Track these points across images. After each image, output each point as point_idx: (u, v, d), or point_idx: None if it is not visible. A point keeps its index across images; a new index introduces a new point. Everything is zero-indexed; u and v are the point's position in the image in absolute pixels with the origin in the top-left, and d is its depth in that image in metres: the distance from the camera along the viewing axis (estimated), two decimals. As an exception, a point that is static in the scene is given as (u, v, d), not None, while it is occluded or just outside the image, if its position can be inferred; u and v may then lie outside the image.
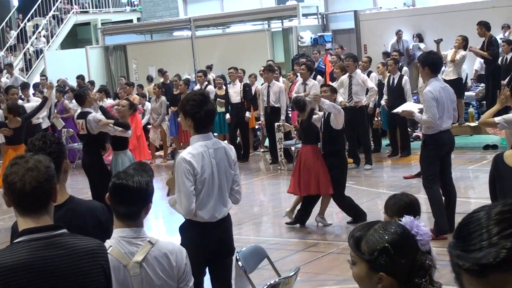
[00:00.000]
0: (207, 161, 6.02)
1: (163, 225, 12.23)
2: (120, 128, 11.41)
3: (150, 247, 4.12)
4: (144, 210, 4.15)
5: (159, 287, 4.14)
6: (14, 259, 3.23)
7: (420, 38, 21.46)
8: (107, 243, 4.10)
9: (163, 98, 18.72)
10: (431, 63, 9.74)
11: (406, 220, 3.19)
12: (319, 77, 17.61)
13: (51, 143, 4.45)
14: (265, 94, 16.56)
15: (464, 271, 1.93)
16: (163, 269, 4.14)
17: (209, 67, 22.60)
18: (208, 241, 6.15)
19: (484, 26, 16.05)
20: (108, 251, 3.99)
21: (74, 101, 19.48)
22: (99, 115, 11.66)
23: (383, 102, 16.19)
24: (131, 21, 31.57)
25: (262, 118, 17.43)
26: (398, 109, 10.72)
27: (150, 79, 23.64)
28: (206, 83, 18.38)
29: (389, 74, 16.05)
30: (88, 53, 27.61)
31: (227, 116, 18.00)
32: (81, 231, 3.66)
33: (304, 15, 25.22)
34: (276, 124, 16.23)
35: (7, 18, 31.64)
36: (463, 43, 15.99)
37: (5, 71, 25.71)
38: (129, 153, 11.89)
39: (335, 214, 11.68)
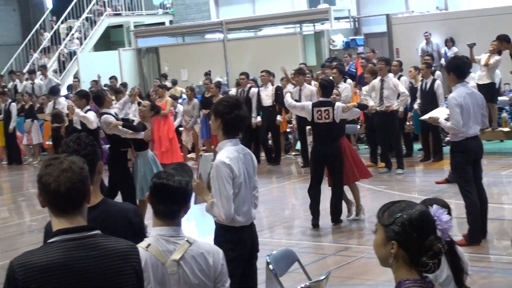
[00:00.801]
0: (241, 165, 6.06)
1: (195, 227, 12.27)
2: (130, 131, 11.56)
3: (188, 246, 4.17)
4: (183, 209, 4.21)
5: (196, 286, 4.19)
6: (47, 259, 3.26)
7: (453, 42, 21.30)
8: (146, 241, 4.15)
9: (196, 100, 18.80)
10: (456, 68, 9.59)
11: (434, 207, 3.39)
12: (349, 80, 17.56)
13: (85, 145, 4.45)
14: (297, 97, 16.53)
15: None
16: (201, 269, 4.19)
17: (208, 73, 22.73)
18: (244, 244, 6.17)
19: (504, 40, 15.81)
20: (147, 249, 4.05)
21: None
22: (110, 117, 11.79)
23: (416, 106, 16.12)
24: (163, 23, 31.68)
25: (293, 121, 17.42)
26: (425, 116, 10.59)
27: (174, 82, 23.73)
28: (249, 85, 18.35)
29: (421, 78, 15.97)
30: (120, 55, 27.75)
31: (259, 119, 18.01)
32: (113, 232, 3.67)
33: (336, 18, 25.17)
34: (308, 127, 16.19)
35: (41, 20, 31.92)
36: (499, 48, 15.85)
37: (39, 73, 25.98)
38: (150, 153, 12.03)
39: (366, 219, 11.65)
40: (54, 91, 19.34)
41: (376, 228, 3.33)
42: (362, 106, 12.46)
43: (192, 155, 19.24)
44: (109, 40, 33.37)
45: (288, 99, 12.06)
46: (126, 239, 3.62)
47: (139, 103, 12.58)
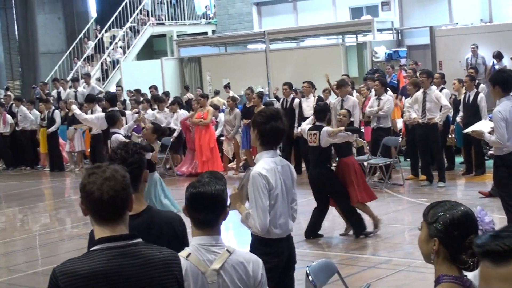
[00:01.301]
0: (278, 177, 6.04)
1: (233, 237, 12.29)
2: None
3: (228, 255, 4.17)
4: (221, 216, 4.22)
5: None
6: (90, 267, 3.30)
7: (499, 56, 21.00)
8: (186, 250, 4.16)
9: (237, 110, 18.83)
10: (502, 82, 9.47)
11: (477, 208, 3.51)
12: (390, 92, 17.48)
13: (133, 152, 4.49)
14: (339, 109, 16.44)
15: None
16: (240, 278, 4.18)
17: (228, 86, 22.81)
18: (280, 256, 6.15)
19: None
20: (187, 258, 4.06)
21: (149, 111, 19.79)
22: (120, 136, 11.99)
23: (458, 119, 16.01)
24: (206, 33, 31.87)
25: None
26: (469, 129, 10.50)
27: (216, 92, 23.86)
28: (292, 95, 18.37)
29: (465, 91, 15.86)
30: (163, 65, 27.95)
31: (299, 129, 17.98)
32: (157, 241, 3.71)
33: (379, 30, 25.10)
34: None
35: (86, 29, 32.27)
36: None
37: (82, 81, 26.23)
38: (157, 175, 11.87)
39: (407, 232, 11.59)
40: (90, 99, 19.54)
41: (421, 225, 3.48)
42: (353, 130, 12.34)
43: (233, 164, 19.29)
44: (152, 49, 33.63)
45: (303, 124, 12.66)
46: (170, 247, 3.65)
47: (143, 128, 12.83)
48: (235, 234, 12.31)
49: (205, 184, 4.18)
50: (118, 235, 3.40)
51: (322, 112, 11.68)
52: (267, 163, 6.00)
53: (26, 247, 12.55)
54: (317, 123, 11.56)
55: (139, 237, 3.47)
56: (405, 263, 9.86)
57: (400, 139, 16.77)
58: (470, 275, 3.51)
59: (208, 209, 4.16)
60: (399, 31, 25.82)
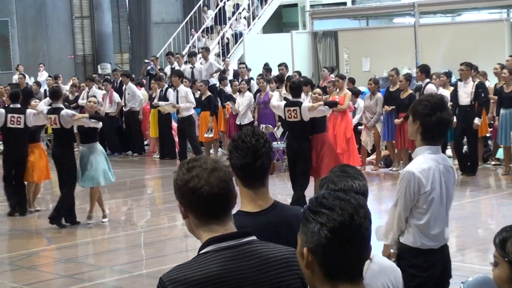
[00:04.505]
0: (437, 178, 5.91)
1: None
2: (94, 120, 13.86)
3: (369, 263, 4.14)
4: None
5: None
6: (202, 272, 3.32)
7: None
8: None
9: (379, 95, 18.61)
10: None
11: None
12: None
13: (264, 141, 4.23)
14: None
15: None
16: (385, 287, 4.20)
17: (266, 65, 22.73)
18: (431, 270, 6.06)
19: None
20: None
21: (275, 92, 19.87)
22: (71, 111, 14.64)
23: None
24: (344, 4, 31.66)
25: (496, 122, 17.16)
26: None
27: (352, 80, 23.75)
28: (427, 80, 18.12)
29: None
30: (293, 39, 27.92)
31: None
32: (287, 237, 3.73)
33: (551, 4, 24.47)
34: (512, 132, 15.81)
35: (205, -4, 32.62)
36: None
37: (199, 56, 26.28)
38: (98, 145, 14.19)
39: None
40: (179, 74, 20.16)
41: (497, 261, 3.33)
42: (330, 104, 14.84)
43: (372, 158, 19.10)
44: (281, 21, 33.75)
45: (272, 100, 15.25)
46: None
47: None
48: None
49: (344, 180, 4.11)
50: (230, 233, 3.42)
51: (298, 88, 14.02)
52: (426, 161, 5.89)
53: (131, 245, 12.80)
54: (293, 99, 13.85)
55: (252, 234, 3.47)
56: None
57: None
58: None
59: None
60: None
